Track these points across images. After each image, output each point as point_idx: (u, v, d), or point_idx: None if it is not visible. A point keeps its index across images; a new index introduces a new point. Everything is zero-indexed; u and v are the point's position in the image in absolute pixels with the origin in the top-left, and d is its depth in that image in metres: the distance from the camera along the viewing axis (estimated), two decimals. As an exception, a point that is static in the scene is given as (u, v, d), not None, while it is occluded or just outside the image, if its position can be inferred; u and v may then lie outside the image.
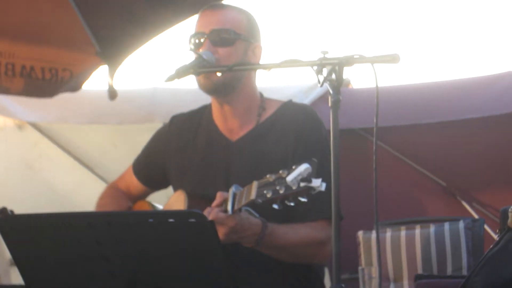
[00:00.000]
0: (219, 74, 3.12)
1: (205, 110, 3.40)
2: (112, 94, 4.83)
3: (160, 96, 5.87)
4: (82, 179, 6.46)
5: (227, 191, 2.96)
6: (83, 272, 2.57)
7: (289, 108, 3.31)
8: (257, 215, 2.96)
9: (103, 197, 3.62)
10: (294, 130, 3.20)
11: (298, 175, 2.64)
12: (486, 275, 2.72)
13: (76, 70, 4.71)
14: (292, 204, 2.70)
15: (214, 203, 2.96)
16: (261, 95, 3.35)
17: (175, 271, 2.52)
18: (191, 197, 3.19)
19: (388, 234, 4.82)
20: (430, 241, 4.68)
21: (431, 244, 4.68)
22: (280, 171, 2.71)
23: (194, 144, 3.36)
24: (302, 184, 2.64)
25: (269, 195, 2.73)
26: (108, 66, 4.67)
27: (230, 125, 3.30)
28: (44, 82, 4.68)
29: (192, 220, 2.45)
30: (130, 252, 2.51)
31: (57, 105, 4.91)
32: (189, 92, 5.79)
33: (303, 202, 2.69)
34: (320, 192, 2.66)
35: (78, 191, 6.38)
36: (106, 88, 4.85)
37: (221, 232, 2.88)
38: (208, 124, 3.35)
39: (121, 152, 6.15)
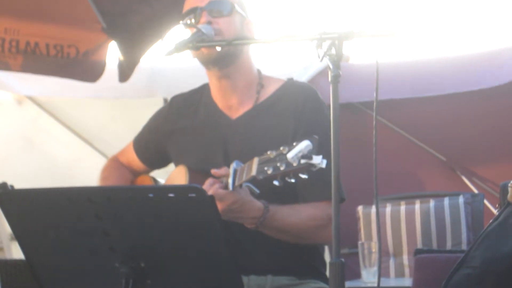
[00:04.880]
0: (218, 49, 3.11)
1: (205, 89, 3.40)
2: (123, 74, 4.70)
3: (159, 72, 5.86)
4: (82, 154, 6.46)
5: (228, 167, 2.95)
6: (83, 246, 2.58)
7: (289, 88, 3.29)
8: (257, 191, 2.95)
9: (105, 169, 3.63)
10: (294, 110, 3.19)
11: (299, 151, 2.62)
12: (485, 249, 2.72)
13: (82, 46, 4.67)
14: (293, 180, 2.68)
15: (215, 172, 2.95)
16: (259, 71, 3.34)
17: (175, 245, 2.53)
18: (192, 172, 3.19)
19: (388, 209, 4.83)
20: (430, 216, 4.70)
21: (431, 219, 4.69)
22: (281, 148, 2.69)
23: (194, 122, 3.36)
24: (302, 161, 2.62)
25: (269, 172, 2.71)
26: (116, 42, 4.62)
27: (229, 102, 3.29)
28: (49, 59, 4.65)
29: (192, 194, 2.45)
30: (130, 226, 2.51)
31: (55, 79, 4.88)
32: (188, 69, 5.80)
33: (304, 179, 2.68)
34: (322, 172, 2.65)
35: (77, 166, 6.39)
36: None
37: (218, 208, 2.87)
38: (207, 101, 3.35)
39: (120, 126, 6.15)
